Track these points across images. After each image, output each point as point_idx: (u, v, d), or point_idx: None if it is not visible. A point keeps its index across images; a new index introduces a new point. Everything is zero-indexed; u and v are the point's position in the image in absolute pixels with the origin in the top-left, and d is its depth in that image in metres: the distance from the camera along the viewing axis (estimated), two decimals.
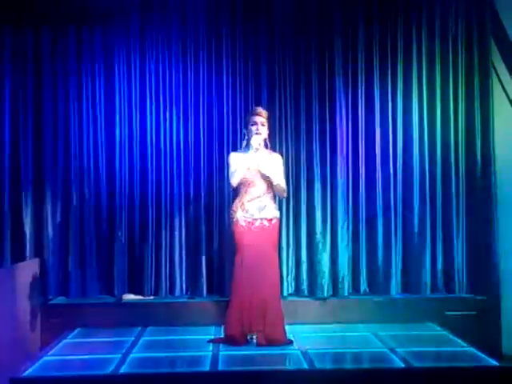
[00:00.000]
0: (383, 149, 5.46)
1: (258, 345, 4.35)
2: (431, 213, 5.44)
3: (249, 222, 4.49)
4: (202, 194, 5.40)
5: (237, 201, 4.59)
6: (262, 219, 4.50)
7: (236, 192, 4.67)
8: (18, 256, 5.25)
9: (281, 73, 5.45)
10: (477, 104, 5.44)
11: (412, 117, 5.46)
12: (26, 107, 5.35)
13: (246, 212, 4.50)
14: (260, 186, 4.54)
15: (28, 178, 5.32)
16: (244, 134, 4.71)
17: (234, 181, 4.51)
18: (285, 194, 4.82)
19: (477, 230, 5.43)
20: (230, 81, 5.44)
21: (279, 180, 4.57)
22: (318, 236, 5.36)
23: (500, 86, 5.43)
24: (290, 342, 4.46)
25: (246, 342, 4.41)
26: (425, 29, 5.48)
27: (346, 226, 5.41)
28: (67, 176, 5.36)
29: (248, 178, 4.52)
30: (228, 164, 4.63)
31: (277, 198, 4.82)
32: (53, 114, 5.36)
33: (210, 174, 5.42)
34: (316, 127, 5.43)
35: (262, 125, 4.58)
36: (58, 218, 5.35)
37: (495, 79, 5.44)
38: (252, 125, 4.56)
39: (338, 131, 5.42)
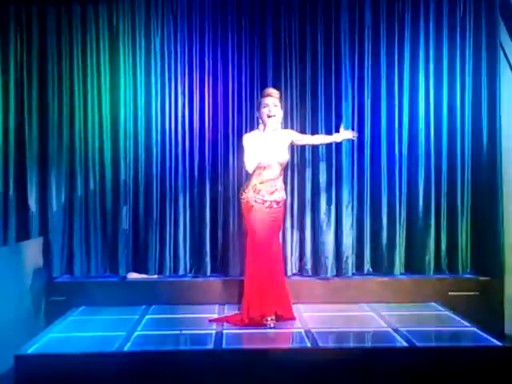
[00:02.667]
0: (389, 129, 5.43)
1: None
2: (436, 193, 5.42)
3: (258, 203, 4.45)
4: (207, 174, 5.39)
5: (248, 182, 4.55)
6: (271, 201, 4.48)
7: (247, 174, 4.61)
8: (23, 235, 5.27)
9: (287, 51, 5.40)
10: (484, 81, 5.39)
11: (418, 96, 5.42)
12: (30, 86, 5.32)
13: (258, 193, 4.46)
14: (274, 170, 4.48)
15: (33, 158, 5.31)
16: (257, 118, 4.61)
17: (250, 168, 4.43)
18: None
19: (481, 211, 5.41)
20: (236, 60, 5.39)
21: (311, 139, 4.78)
22: (323, 216, 5.36)
23: (507, 64, 5.37)
24: (294, 319, 4.57)
25: (265, 325, 4.39)
26: (433, 5, 5.41)
27: (350, 207, 5.40)
28: (72, 155, 5.35)
29: (263, 161, 4.44)
30: (243, 147, 4.51)
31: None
32: (58, 92, 5.33)
33: (214, 153, 5.40)
34: (321, 107, 5.40)
35: (275, 105, 4.48)
36: (63, 197, 5.35)
37: (503, 57, 5.38)
38: (264, 107, 4.47)
39: (343, 111, 5.38)
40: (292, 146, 4.88)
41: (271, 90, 4.56)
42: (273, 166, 4.47)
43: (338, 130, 4.94)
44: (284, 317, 4.52)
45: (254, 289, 4.44)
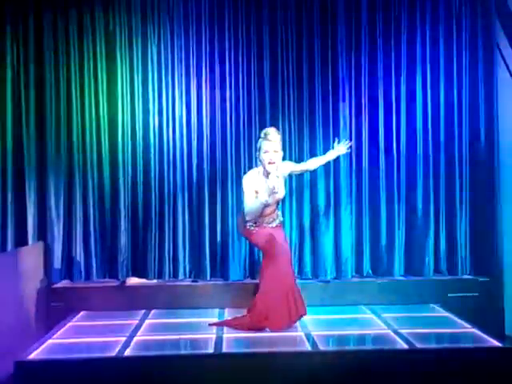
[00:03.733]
0: (386, 130, 5.45)
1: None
2: (434, 194, 5.43)
3: (261, 227, 4.43)
4: (205, 177, 5.39)
5: (245, 217, 4.43)
6: (269, 228, 4.46)
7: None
8: (22, 240, 5.26)
9: (283, 52, 5.41)
10: (480, 80, 5.41)
11: (416, 96, 5.44)
12: (27, 88, 5.31)
13: (255, 223, 4.42)
14: (272, 206, 4.41)
15: (31, 163, 5.31)
16: (257, 158, 4.46)
17: (249, 218, 4.37)
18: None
19: (480, 212, 5.43)
20: (233, 60, 5.41)
21: (307, 165, 4.75)
22: (321, 219, 5.36)
23: (503, 63, 5.39)
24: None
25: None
26: (429, 5, 5.44)
27: (349, 209, 5.41)
28: (70, 160, 5.35)
29: (268, 202, 4.31)
30: (244, 188, 4.38)
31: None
32: (55, 95, 5.33)
33: (213, 156, 5.41)
34: (319, 107, 5.42)
35: (275, 151, 4.33)
36: (61, 202, 5.34)
37: (499, 56, 5.41)
38: (265, 152, 4.32)
39: (340, 109, 5.40)
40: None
41: (272, 135, 4.33)
42: (272, 204, 4.39)
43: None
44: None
45: (280, 299, 4.37)
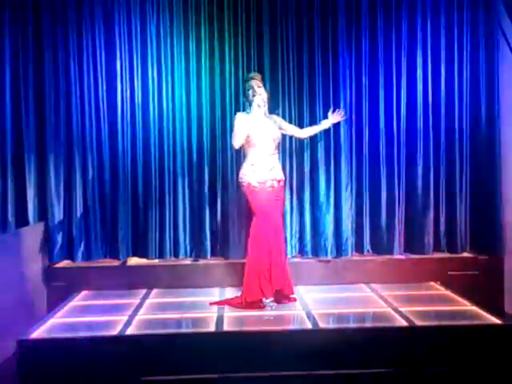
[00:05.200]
0: (387, 111, 5.42)
1: (278, 303, 4.49)
2: (434, 173, 5.42)
3: (260, 183, 4.49)
4: (205, 156, 5.38)
5: (245, 164, 4.60)
6: (272, 180, 4.53)
7: (244, 155, 4.67)
8: (23, 221, 5.26)
9: (283, 34, 5.36)
10: (482, 57, 5.37)
11: (416, 72, 5.40)
12: (26, 70, 5.26)
13: (257, 173, 4.50)
14: (267, 148, 4.56)
15: (30, 143, 5.28)
16: (243, 103, 4.80)
17: (236, 143, 4.53)
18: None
19: (479, 190, 5.42)
20: (232, 42, 5.36)
21: (298, 131, 4.96)
22: (322, 198, 5.36)
23: (504, 40, 5.35)
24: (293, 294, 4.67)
25: (264, 307, 4.44)
26: None
27: (349, 188, 5.40)
28: (69, 140, 5.33)
29: (254, 140, 4.53)
30: (233, 125, 4.60)
31: (281, 161, 4.87)
32: (54, 76, 5.29)
33: (212, 136, 5.38)
34: (319, 88, 5.37)
35: (258, 86, 4.61)
36: (61, 183, 5.34)
37: (500, 34, 5.36)
38: (248, 89, 4.63)
39: (341, 91, 5.37)
40: None
41: (252, 74, 4.76)
42: (266, 142, 4.55)
43: (335, 106, 4.98)
44: (283, 291, 4.56)
45: (254, 272, 4.47)
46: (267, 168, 4.52)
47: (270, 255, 4.48)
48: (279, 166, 4.67)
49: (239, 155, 5.22)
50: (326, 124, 4.97)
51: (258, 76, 4.72)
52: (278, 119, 4.85)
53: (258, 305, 4.44)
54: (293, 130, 4.94)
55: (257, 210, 4.52)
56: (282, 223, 4.70)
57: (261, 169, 4.51)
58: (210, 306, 4.53)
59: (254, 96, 4.58)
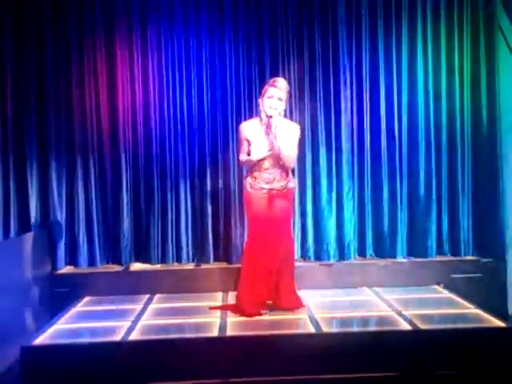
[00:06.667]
0: (388, 112, 5.42)
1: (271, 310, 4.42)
2: (436, 176, 5.42)
3: (256, 189, 4.34)
4: (207, 161, 5.38)
5: (247, 172, 4.47)
6: (271, 189, 4.33)
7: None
8: (25, 227, 5.26)
9: (284, 38, 5.37)
10: (482, 58, 5.37)
11: (417, 74, 5.40)
12: (27, 73, 5.26)
13: (255, 180, 4.35)
14: (269, 161, 4.29)
15: (32, 149, 5.28)
16: (258, 104, 4.36)
17: (256, 158, 4.23)
18: (292, 165, 4.45)
19: (482, 193, 5.42)
20: (233, 43, 5.36)
21: (288, 151, 4.26)
22: (324, 202, 5.36)
23: (504, 42, 5.35)
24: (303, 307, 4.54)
25: (259, 315, 4.37)
26: None
27: (351, 191, 5.40)
28: (71, 145, 5.33)
29: (257, 156, 4.25)
30: (239, 137, 4.40)
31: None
32: (56, 79, 5.29)
33: (214, 139, 5.39)
34: (320, 91, 5.38)
35: (279, 99, 4.23)
36: (64, 188, 5.34)
37: (500, 35, 5.37)
38: (268, 97, 4.23)
39: (342, 93, 5.38)
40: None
41: (280, 82, 4.28)
42: (266, 158, 4.27)
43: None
44: (287, 307, 4.46)
45: (247, 279, 4.40)
46: (266, 180, 4.32)
47: (267, 264, 4.34)
48: (283, 177, 4.35)
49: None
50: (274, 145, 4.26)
51: (284, 86, 4.26)
52: (292, 131, 4.37)
53: (252, 314, 4.35)
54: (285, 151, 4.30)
55: (248, 216, 4.49)
56: (281, 233, 4.40)
57: (259, 179, 4.33)
58: (213, 311, 4.51)
59: (269, 107, 4.22)
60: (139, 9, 5.33)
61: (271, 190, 4.34)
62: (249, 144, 4.30)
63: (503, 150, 5.33)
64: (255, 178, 4.36)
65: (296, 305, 4.52)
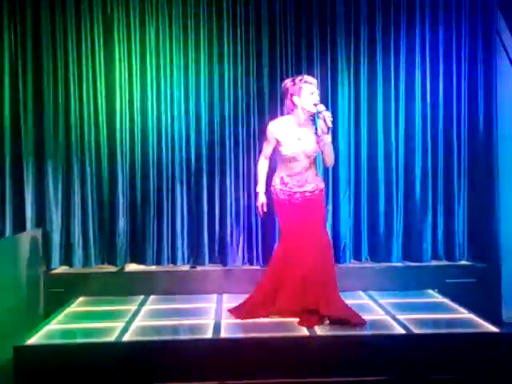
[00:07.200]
0: (385, 117, 5.43)
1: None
2: (432, 180, 5.44)
3: (289, 195, 4.22)
4: (204, 163, 5.38)
5: (276, 174, 4.31)
6: (301, 192, 4.21)
7: (276, 165, 4.39)
8: (21, 226, 5.25)
9: (282, 41, 5.37)
10: (480, 64, 5.39)
11: (415, 80, 5.42)
12: (25, 74, 5.26)
13: (285, 186, 4.22)
14: (301, 163, 4.18)
15: (28, 149, 5.27)
16: (293, 103, 4.17)
17: (262, 155, 4.30)
18: (333, 163, 4.41)
19: (478, 198, 5.43)
20: (231, 49, 5.37)
21: (332, 160, 4.31)
22: None
23: (503, 50, 5.37)
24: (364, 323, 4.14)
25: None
26: None
27: (347, 195, 5.41)
28: (68, 146, 5.33)
29: (289, 154, 4.16)
30: (266, 137, 4.27)
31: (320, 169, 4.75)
32: (53, 80, 5.29)
33: (211, 140, 5.38)
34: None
35: (317, 94, 4.19)
36: (60, 188, 5.33)
37: (498, 42, 5.40)
38: (310, 94, 4.12)
39: (339, 97, 5.39)
40: None
41: (312, 79, 4.20)
42: (299, 158, 4.17)
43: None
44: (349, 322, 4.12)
45: (265, 287, 4.31)
46: (297, 184, 4.20)
47: (297, 270, 4.17)
48: (314, 179, 4.25)
49: (237, 161, 5.29)
50: (326, 138, 4.17)
51: (316, 82, 4.22)
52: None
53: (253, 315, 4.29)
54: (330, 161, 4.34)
55: (280, 223, 4.38)
56: (318, 235, 4.22)
57: (290, 184, 4.21)
58: (207, 313, 4.50)
59: (314, 105, 4.10)
60: (139, 11, 5.34)
61: (304, 193, 4.22)
62: (278, 144, 4.20)
63: (499, 155, 5.35)
64: (286, 184, 4.24)
65: (354, 319, 4.15)
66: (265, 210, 4.37)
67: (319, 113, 4.13)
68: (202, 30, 5.36)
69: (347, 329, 4.05)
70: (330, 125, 4.09)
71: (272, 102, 5.30)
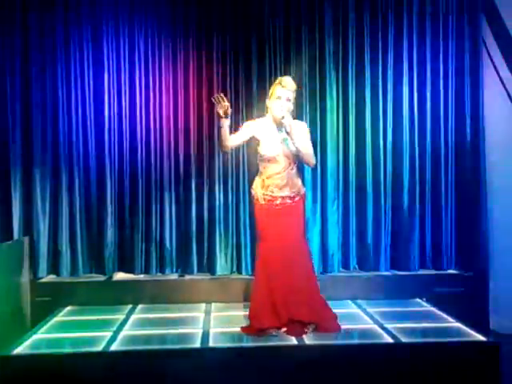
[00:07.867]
0: (373, 126, 5.46)
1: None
2: (420, 190, 5.47)
3: (269, 201, 4.16)
4: (192, 171, 5.38)
5: (257, 178, 4.27)
6: (282, 197, 4.16)
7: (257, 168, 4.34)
8: (7, 235, 5.21)
9: (271, 43, 5.39)
10: (466, 71, 5.44)
11: (402, 88, 5.46)
12: (13, 84, 5.24)
13: (267, 189, 4.16)
14: (280, 163, 4.14)
15: (16, 157, 5.24)
16: (266, 107, 4.24)
17: (226, 144, 4.14)
18: (314, 161, 4.28)
19: (465, 208, 5.47)
20: (220, 55, 5.38)
21: (306, 149, 4.16)
22: (308, 213, 5.36)
23: (489, 60, 5.42)
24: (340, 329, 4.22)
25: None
26: (416, 3, 5.45)
27: (335, 204, 5.43)
28: (56, 154, 5.31)
29: (267, 154, 4.13)
30: (241, 128, 4.27)
31: (301, 174, 4.63)
32: (41, 90, 5.28)
33: (199, 149, 5.39)
34: (306, 104, 5.40)
35: (288, 99, 4.11)
36: (47, 197, 5.31)
37: (484, 50, 5.44)
38: (276, 98, 4.10)
39: (328, 107, 5.42)
40: None
41: (287, 82, 4.11)
42: (278, 158, 4.13)
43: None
44: (321, 326, 4.18)
45: (261, 297, 4.17)
46: (278, 185, 4.15)
47: (284, 279, 4.11)
48: (294, 182, 4.20)
49: (226, 169, 5.31)
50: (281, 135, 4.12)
51: (291, 85, 4.11)
52: (303, 129, 4.24)
53: (267, 332, 4.11)
54: (304, 149, 4.18)
55: (259, 229, 4.27)
56: (297, 243, 4.21)
57: (271, 186, 4.15)
58: (196, 322, 4.48)
59: (276, 110, 4.09)
60: (128, 19, 5.36)
61: (284, 198, 4.17)
62: (258, 144, 4.19)
63: (487, 164, 5.38)
64: (267, 187, 4.17)
65: (334, 326, 4.23)
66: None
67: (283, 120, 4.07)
68: (191, 43, 5.38)
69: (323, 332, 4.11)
70: (289, 131, 4.03)
71: (261, 109, 5.29)
